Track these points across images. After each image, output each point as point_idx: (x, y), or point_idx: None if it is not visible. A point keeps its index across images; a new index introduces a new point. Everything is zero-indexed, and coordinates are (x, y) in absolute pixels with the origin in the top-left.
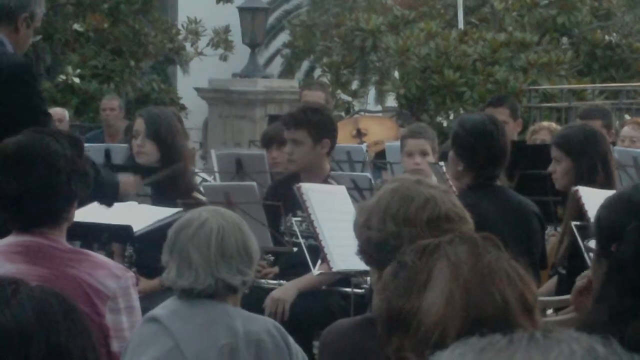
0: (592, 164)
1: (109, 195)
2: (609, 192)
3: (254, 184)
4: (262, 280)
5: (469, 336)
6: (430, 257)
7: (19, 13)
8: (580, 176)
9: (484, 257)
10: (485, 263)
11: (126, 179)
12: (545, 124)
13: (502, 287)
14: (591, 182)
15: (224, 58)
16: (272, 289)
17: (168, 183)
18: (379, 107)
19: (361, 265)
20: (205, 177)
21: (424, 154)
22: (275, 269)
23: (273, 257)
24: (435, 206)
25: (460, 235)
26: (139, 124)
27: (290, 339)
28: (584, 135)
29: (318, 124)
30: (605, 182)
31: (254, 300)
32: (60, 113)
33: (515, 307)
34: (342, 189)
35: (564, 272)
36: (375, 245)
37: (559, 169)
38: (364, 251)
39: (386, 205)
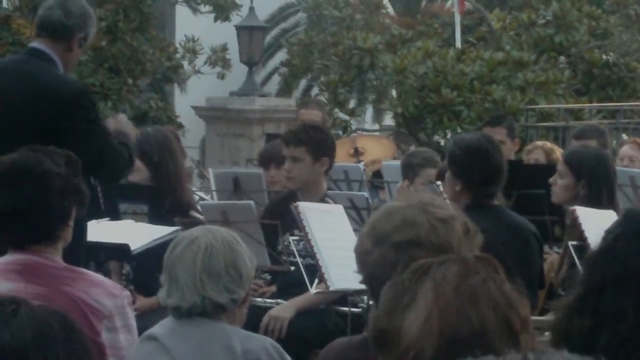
0: (599, 187)
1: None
2: (606, 212)
3: (252, 202)
4: (260, 299)
5: (445, 358)
6: (420, 277)
7: (75, 33)
8: (587, 198)
9: (469, 279)
10: (469, 285)
11: (117, 124)
12: (539, 143)
13: (481, 310)
14: (596, 205)
15: (221, 76)
16: (269, 308)
17: (159, 201)
18: (377, 126)
19: (359, 285)
20: (203, 196)
21: None
22: (273, 288)
23: (270, 276)
24: (409, 231)
25: (454, 256)
26: None
27: (288, 358)
28: (597, 159)
29: (318, 142)
30: (608, 205)
31: (252, 319)
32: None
33: (495, 331)
34: (339, 208)
35: (563, 293)
36: (357, 258)
37: (560, 182)
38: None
39: (374, 221)
